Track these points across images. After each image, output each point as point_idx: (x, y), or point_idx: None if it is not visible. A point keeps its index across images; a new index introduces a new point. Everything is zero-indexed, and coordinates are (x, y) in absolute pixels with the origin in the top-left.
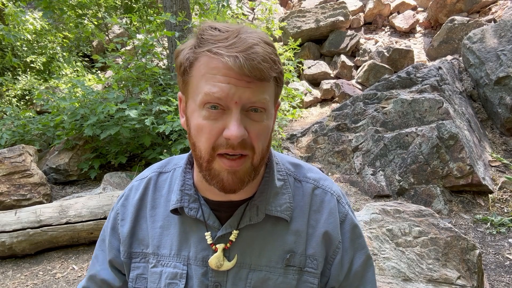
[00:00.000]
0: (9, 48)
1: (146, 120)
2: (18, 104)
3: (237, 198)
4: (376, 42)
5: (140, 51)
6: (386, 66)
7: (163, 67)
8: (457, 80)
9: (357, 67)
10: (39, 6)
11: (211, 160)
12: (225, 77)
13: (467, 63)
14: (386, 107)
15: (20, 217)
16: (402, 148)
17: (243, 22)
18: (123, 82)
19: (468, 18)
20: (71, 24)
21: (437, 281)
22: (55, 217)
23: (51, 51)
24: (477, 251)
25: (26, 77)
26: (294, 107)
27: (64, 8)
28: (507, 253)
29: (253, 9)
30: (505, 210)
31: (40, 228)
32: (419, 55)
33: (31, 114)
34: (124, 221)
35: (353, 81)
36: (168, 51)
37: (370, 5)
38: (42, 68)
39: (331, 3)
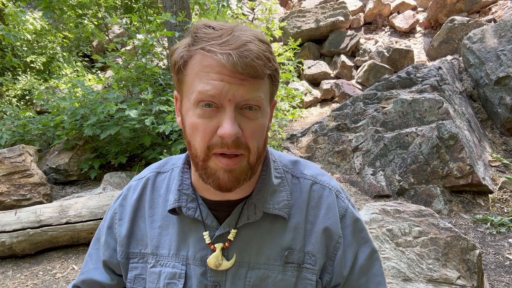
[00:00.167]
0: (9, 48)
1: (146, 120)
2: (18, 104)
3: (235, 197)
4: (376, 42)
5: (140, 51)
6: (386, 66)
7: (163, 67)
8: (457, 80)
9: (357, 67)
10: (39, 6)
11: (207, 159)
12: (218, 75)
13: (467, 63)
14: (386, 107)
15: (20, 217)
16: (402, 148)
17: (243, 22)
18: (123, 82)
19: (468, 18)
20: (71, 24)
21: (437, 281)
22: (55, 217)
23: (51, 51)
24: (477, 251)
25: (26, 77)
26: (294, 107)
27: (64, 8)
28: (507, 253)
29: (253, 9)
30: (505, 210)
31: (40, 228)
32: (419, 55)
33: (31, 114)
34: (122, 220)
35: (353, 81)
36: (168, 51)
37: (370, 5)
38: (42, 68)
39: (331, 3)
